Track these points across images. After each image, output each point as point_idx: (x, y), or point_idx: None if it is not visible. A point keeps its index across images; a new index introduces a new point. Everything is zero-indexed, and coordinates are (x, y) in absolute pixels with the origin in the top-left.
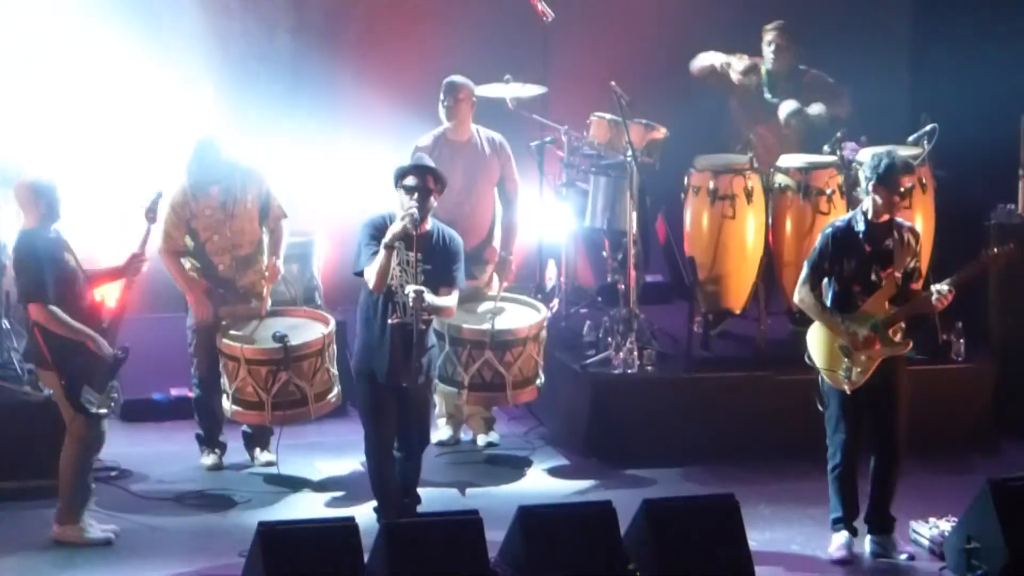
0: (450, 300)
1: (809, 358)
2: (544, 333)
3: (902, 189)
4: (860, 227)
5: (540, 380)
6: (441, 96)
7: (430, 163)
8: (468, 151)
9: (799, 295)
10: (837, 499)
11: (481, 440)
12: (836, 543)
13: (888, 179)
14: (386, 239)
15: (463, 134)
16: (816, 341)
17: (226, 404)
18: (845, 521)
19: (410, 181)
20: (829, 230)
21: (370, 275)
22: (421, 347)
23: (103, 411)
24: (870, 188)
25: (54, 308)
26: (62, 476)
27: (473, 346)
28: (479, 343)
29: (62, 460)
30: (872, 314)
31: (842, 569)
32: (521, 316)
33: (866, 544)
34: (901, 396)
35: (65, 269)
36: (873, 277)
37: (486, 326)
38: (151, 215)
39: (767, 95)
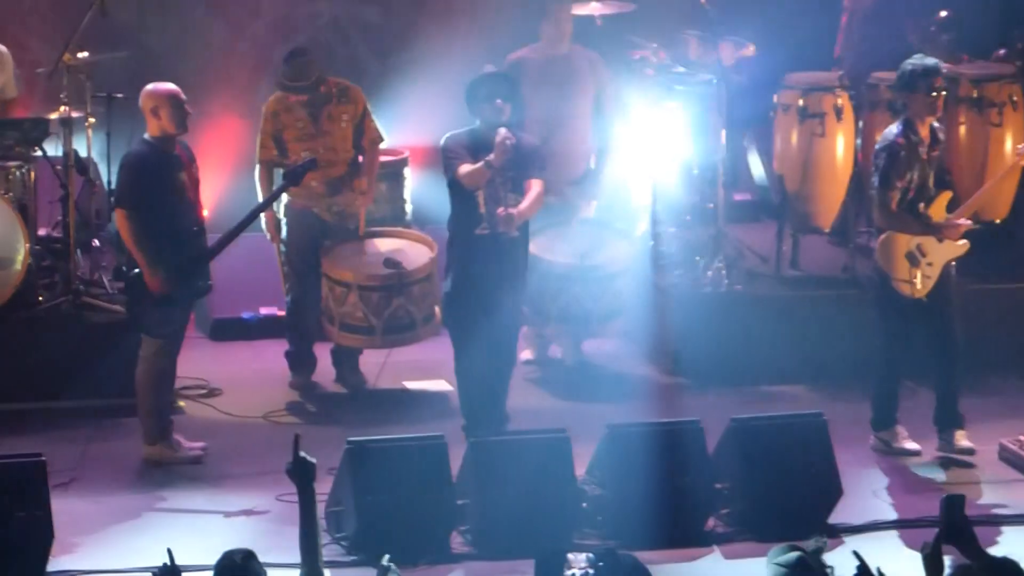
0: (533, 192)
1: (877, 269)
2: (633, 263)
3: (933, 92)
4: (915, 138)
5: (622, 312)
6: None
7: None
8: (563, 66)
9: (876, 214)
10: (886, 401)
11: (569, 358)
12: (902, 434)
13: (911, 84)
14: (491, 159)
15: (560, 48)
16: (885, 252)
17: (331, 328)
18: (892, 418)
19: (486, 93)
20: (892, 142)
21: (465, 173)
22: (515, 259)
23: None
24: (905, 101)
25: (127, 215)
26: (137, 395)
27: (562, 279)
28: (568, 276)
29: (136, 379)
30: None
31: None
32: (614, 248)
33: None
34: (956, 295)
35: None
36: (930, 186)
37: (575, 261)
38: (291, 176)
39: None
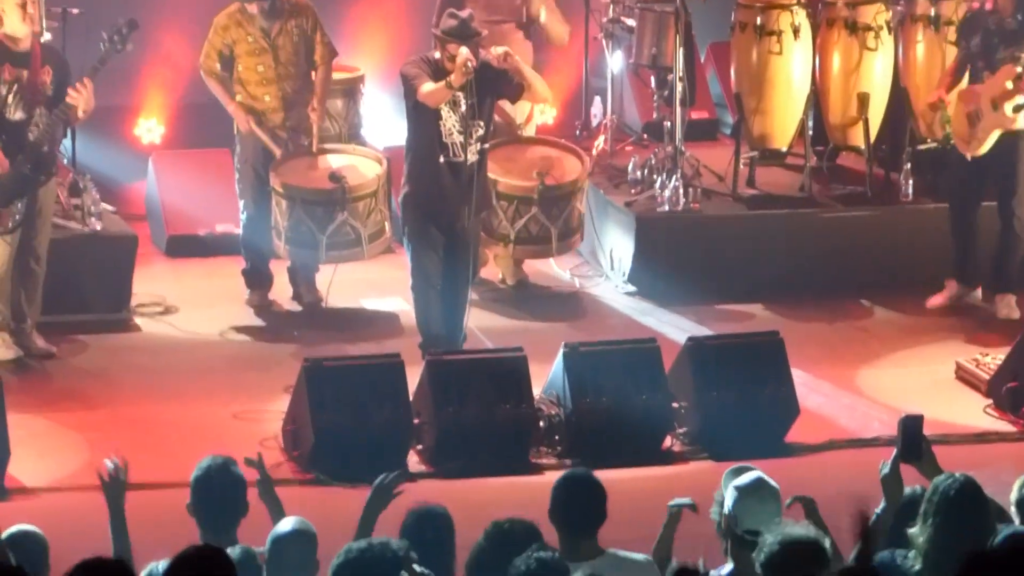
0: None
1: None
2: (587, 183)
3: None
4: (987, 6)
5: (583, 229)
6: None
7: (468, 24)
8: None
9: None
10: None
11: (510, 279)
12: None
13: None
14: (452, 81)
15: None
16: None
17: (278, 242)
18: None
19: (454, 38)
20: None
21: (428, 92)
22: (477, 187)
23: None
24: None
25: None
26: None
27: (520, 202)
28: (526, 199)
29: None
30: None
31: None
32: (567, 165)
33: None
34: (1020, 171)
35: None
36: (997, 55)
37: (535, 183)
38: (111, 47)
39: None
